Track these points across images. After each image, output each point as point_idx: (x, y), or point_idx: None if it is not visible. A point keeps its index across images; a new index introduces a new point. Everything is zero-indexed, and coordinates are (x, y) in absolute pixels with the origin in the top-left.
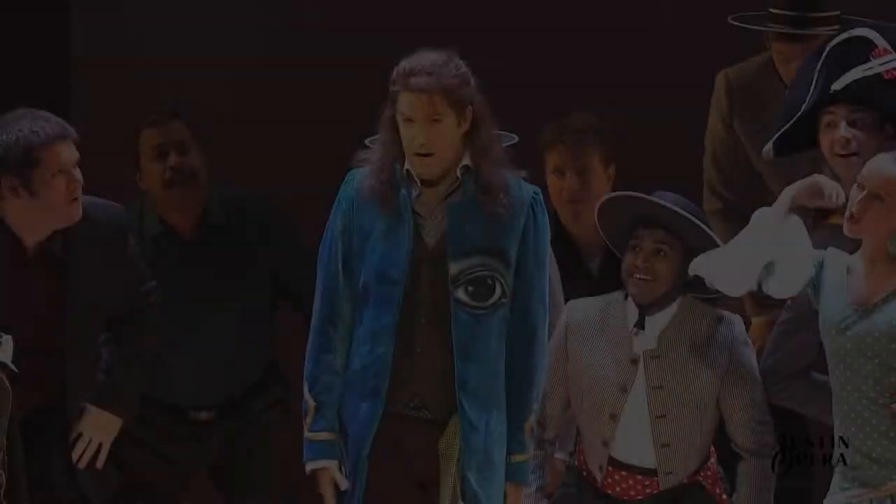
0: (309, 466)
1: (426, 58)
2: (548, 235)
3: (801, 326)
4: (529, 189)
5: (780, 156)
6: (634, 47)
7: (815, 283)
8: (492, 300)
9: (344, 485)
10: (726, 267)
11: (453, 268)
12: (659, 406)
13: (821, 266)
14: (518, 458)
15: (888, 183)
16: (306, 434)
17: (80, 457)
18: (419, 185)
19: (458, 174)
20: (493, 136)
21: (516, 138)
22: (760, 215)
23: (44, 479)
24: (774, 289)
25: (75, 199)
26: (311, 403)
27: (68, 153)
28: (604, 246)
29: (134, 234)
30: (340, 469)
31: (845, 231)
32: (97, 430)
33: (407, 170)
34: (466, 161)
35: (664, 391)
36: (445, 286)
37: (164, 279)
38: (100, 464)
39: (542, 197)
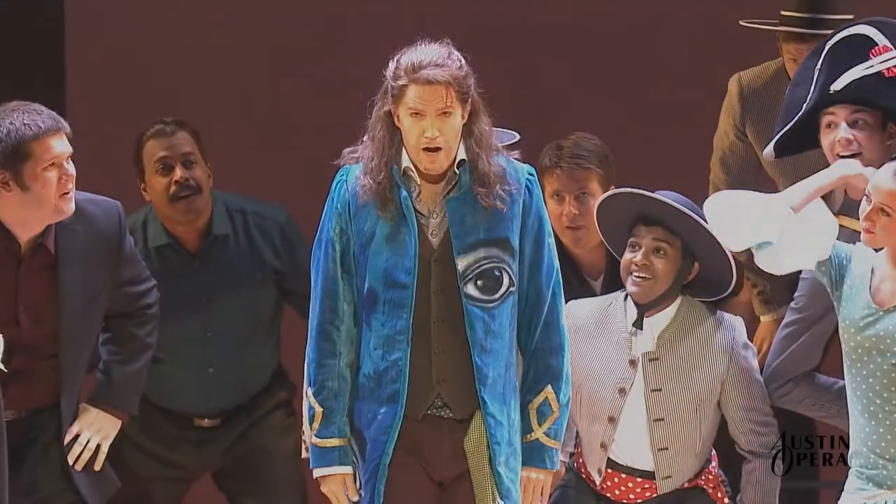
0: (318, 473)
1: (430, 50)
2: (545, 214)
3: (806, 329)
4: (523, 170)
5: (780, 157)
6: (645, 52)
7: (839, 276)
8: (501, 291)
9: (355, 496)
10: (739, 218)
11: (460, 263)
12: (657, 409)
13: (848, 260)
14: (526, 438)
15: (890, 197)
16: (313, 440)
17: (78, 458)
18: (418, 183)
19: (456, 169)
20: (487, 127)
21: (517, 136)
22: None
23: (40, 480)
24: (784, 261)
25: (67, 193)
26: (319, 409)
27: (61, 147)
28: (606, 265)
29: (138, 242)
30: (354, 477)
31: (862, 241)
32: (95, 430)
33: (405, 168)
34: (462, 155)
35: (662, 394)
36: (454, 283)
37: (170, 290)
38: (98, 465)
39: (535, 176)
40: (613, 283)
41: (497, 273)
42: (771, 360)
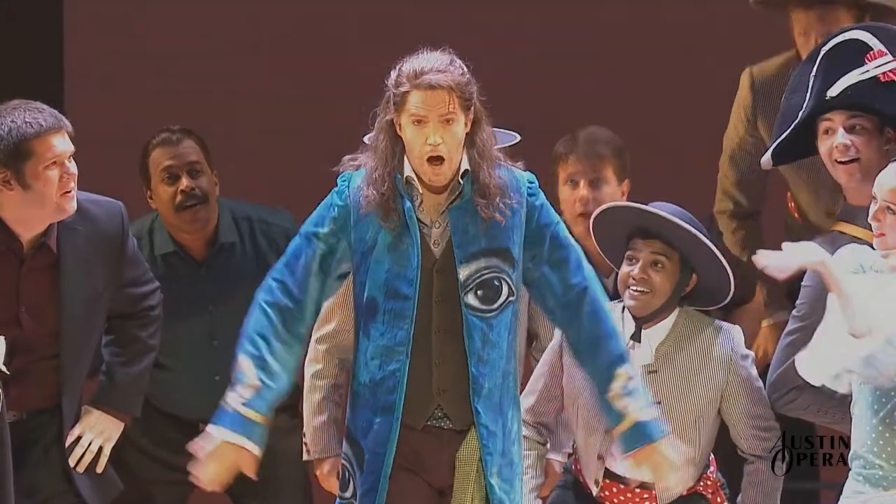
0: (229, 438)
1: (432, 57)
2: (553, 213)
3: (808, 337)
4: (523, 178)
5: (778, 164)
6: (648, 55)
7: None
8: (500, 301)
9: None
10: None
11: (462, 273)
12: None
13: (862, 269)
14: (620, 428)
15: (893, 193)
16: (234, 405)
17: (80, 460)
18: (420, 192)
19: (460, 179)
20: (489, 137)
21: (518, 137)
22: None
23: (41, 482)
24: None
25: (69, 191)
26: (255, 382)
27: (62, 145)
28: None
29: (144, 249)
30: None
31: (875, 246)
32: (97, 432)
33: (408, 177)
34: (465, 165)
35: (662, 407)
36: (456, 293)
37: (177, 298)
38: (100, 468)
39: (536, 183)
40: None
41: (496, 283)
42: (774, 368)
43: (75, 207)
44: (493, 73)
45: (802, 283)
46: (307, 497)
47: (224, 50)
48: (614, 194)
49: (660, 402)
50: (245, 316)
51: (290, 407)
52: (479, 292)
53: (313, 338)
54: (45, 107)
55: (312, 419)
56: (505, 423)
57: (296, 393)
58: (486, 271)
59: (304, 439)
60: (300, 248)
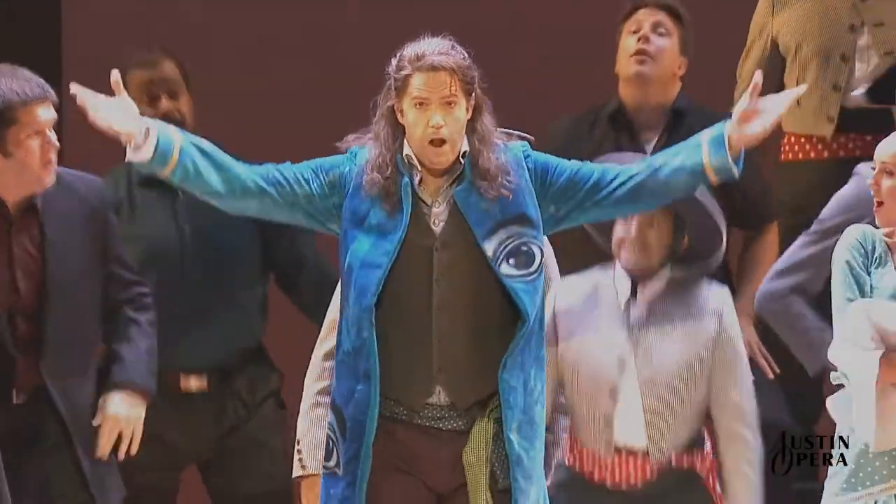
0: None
1: (433, 42)
2: (544, 155)
3: (822, 238)
4: (518, 149)
5: (871, 103)
6: None
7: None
8: (537, 263)
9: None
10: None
11: (487, 249)
12: (648, 372)
13: (865, 246)
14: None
15: (893, 156)
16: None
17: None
18: (420, 170)
19: (461, 160)
20: (490, 124)
21: (531, 138)
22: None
23: (46, 484)
24: None
25: (49, 162)
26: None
27: (46, 115)
28: (662, 128)
29: (121, 183)
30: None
31: (878, 222)
32: (123, 421)
33: (407, 155)
34: (465, 147)
35: (655, 362)
36: (462, 270)
37: (154, 232)
38: (121, 455)
39: (528, 146)
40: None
41: (524, 248)
42: (783, 260)
43: (53, 180)
44: (493, 73)
45: (835, 194)
46: (293, 491)
47: (224, 50)
48: (673, 55)
49: (651, 353)
50: (224, 255)
51: (275, 395)
52: (510, 260)
53: (319, 353)
54: (32, 75)
55: (314, 435)
56: (526, 380)
57: (280, 380)
58: (509, 241)
59: (299, 455)
60: (298, 166)
